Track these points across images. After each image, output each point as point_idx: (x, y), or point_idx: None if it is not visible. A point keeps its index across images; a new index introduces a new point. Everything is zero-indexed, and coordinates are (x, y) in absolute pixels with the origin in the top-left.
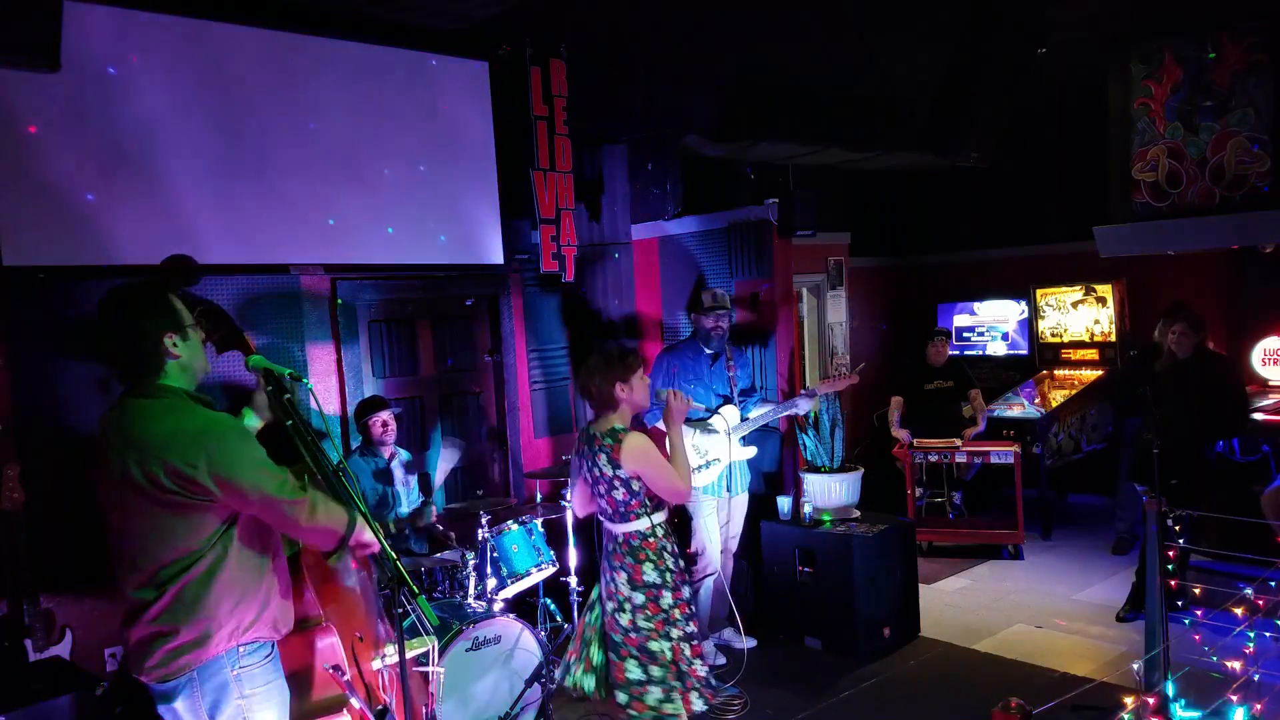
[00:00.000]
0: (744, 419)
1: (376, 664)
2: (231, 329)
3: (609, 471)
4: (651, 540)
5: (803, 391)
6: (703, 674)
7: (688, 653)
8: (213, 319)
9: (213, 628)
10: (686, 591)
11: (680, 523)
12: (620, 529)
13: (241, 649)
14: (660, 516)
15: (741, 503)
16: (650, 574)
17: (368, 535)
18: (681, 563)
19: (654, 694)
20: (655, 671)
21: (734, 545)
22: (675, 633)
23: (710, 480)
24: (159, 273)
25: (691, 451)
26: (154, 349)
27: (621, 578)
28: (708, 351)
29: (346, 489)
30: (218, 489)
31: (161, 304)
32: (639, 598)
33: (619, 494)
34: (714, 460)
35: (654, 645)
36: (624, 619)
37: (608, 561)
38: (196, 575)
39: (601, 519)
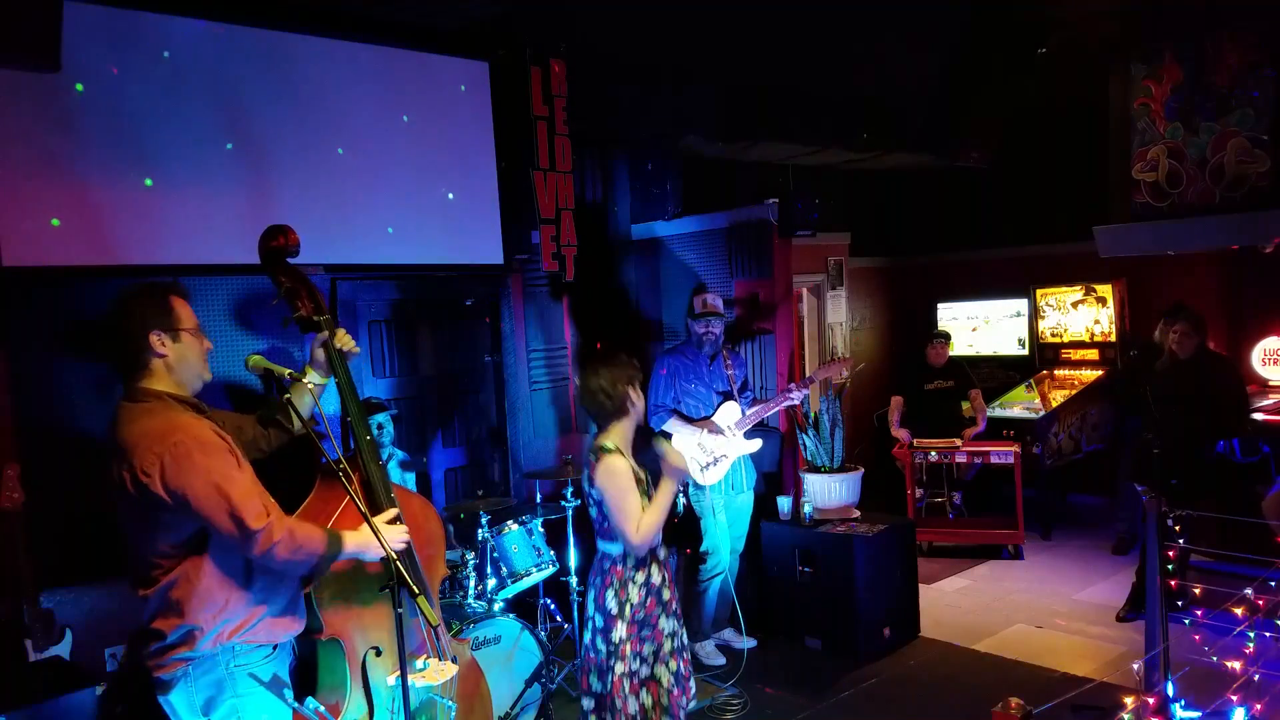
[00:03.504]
0: (745, 414)
1: (391, 679)
2: (310, 313)
3: (587, 487)
4: (619, 568)
5: (800, 383)
6: (633, 712)
7: (626, 689)
8: (295, 298)
9: (196, 632)
10: (665, 624)
11: (688, 521)
12: (599, 544)
13: (236, 648)
14: None
15: (746, 501)
16: (610, 601)
17: (368, 553)
18: (666, 594)
19: None
20: (588, 702)
21: (739, 544)
22: (620, 668)
23: (718, 478)
24: (263, 241)
25: (698, 450)
26: (140, 347)
27: (590, 595)
28: (705, 352)
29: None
30: (170, 500)
31: (153, 303)
32: (599, 620)
33: (594, 512)
34: (721, 457)
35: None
36: (586, 636)
37: (590, 573)
38: (177, 579)
39: None
